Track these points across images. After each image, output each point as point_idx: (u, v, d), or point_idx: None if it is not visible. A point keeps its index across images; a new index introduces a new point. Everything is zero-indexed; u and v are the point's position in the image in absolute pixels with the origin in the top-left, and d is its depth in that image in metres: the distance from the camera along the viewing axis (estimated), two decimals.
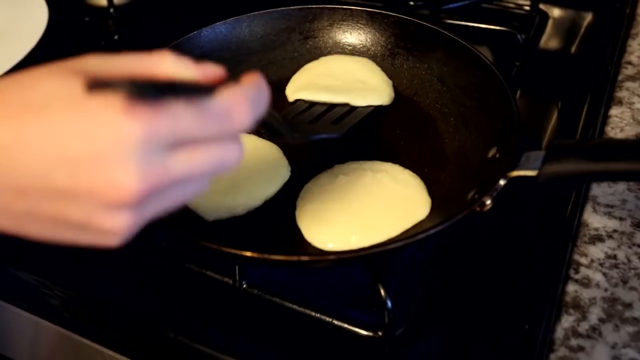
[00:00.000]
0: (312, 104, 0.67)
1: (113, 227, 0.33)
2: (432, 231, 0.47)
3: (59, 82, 0.32)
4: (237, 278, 0.56)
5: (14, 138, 0.31)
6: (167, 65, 0.35)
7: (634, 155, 0.49)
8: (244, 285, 0.56)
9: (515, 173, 0.51)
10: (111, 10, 0.95)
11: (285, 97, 0.72)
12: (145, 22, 0.97)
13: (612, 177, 0.57)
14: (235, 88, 0.36)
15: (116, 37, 0.95)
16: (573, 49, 0.88)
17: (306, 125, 0.62)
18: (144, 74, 0.34)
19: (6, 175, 0.32)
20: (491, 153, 0.58)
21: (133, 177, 0.31)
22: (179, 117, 0.32)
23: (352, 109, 0.67)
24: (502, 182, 0.51)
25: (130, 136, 0.31)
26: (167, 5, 1.00)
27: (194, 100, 0.33)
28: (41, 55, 0.81)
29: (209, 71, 0.36)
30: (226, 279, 0.57)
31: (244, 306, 0.56)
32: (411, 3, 0.91)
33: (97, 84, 0.31)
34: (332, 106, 0.67)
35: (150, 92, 0.32)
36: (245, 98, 0.36)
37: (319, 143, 0.59)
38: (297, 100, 0.69)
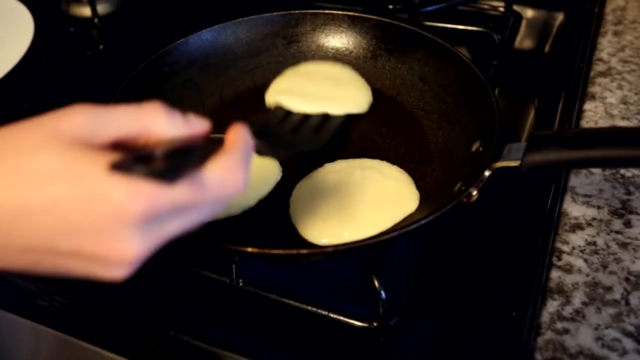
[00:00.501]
0: (290, 113, 0.66)
1: (112, 277, 0.36)
2: (423, 221, 0.48)
3: (59, 156, 0.33)
4: (234, 277, 0.57)
5: (20, 209, 0.33)
6: (160, 123, 0.37)
7: (608, 142, 0.50)
8: (241, 284, 0.57)
9: (499, 164, 0.53)
10: (95, 20, 0.95)
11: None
12: (130, 31, 0.97)
13: (590, 163, 0.59)
14: (228, 158, 0.37)
15: (101, 46, 0.95)
16: (546, 48, 0.90)
17: (287, 139, 0.62)
18: (136, 135, 0.36)
19: (13, 238, 0.34)
20: (474, 147, 0.59)
21: (133, 247, 0.34)
22: (178, 194, 0.34)
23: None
24: (486, 173, 0.53)
25: (131, 214, 0.33)
26: (151, 14, 1.00)
27: (194, 176, 0.35)
28: (28, 67, 0.81)
29: (196, 128, 0.38)
30: (223, 278, 0.57)
31: (241, 303, 0.56)
32: (390, 7, 0.92)
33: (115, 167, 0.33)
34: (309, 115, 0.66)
35: (156, 174, 0.33)
36: (237, 164, 0.37)
37: None
38: (275, 107, 0.69)
